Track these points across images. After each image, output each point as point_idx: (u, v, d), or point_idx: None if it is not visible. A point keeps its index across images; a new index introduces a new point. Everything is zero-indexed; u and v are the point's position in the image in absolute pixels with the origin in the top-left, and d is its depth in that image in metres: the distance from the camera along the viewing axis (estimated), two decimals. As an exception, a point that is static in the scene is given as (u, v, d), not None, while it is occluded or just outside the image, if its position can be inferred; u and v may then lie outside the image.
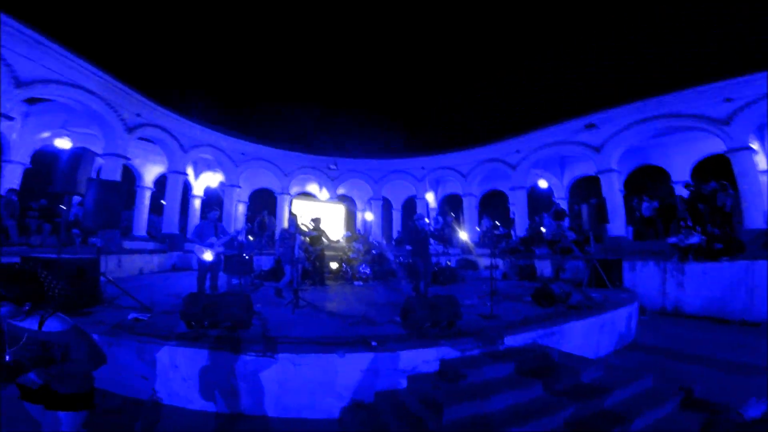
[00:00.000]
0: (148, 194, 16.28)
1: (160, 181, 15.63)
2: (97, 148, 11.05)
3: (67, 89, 9.05)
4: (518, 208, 15.31)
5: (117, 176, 10.96)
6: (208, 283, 6.62)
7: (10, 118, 7.90)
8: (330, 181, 17.45)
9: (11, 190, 7.53)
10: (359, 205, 21.04)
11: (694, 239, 8.47)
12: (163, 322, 4.32)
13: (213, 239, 6.53)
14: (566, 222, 13.68)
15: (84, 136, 11.78)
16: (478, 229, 16.96)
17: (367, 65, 33.17)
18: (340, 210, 14.73)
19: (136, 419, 3.27)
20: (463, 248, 14.68)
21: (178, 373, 3.46)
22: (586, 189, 17.53)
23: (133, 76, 11.08)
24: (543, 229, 14.28)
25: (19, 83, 7.83)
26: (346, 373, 3.29)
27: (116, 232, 11.16)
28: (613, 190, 12.49)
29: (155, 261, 11.53)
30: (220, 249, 6.55)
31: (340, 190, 18.38)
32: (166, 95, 12.79)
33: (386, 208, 20.49)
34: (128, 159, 11.45)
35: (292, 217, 6.54)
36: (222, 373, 3.37)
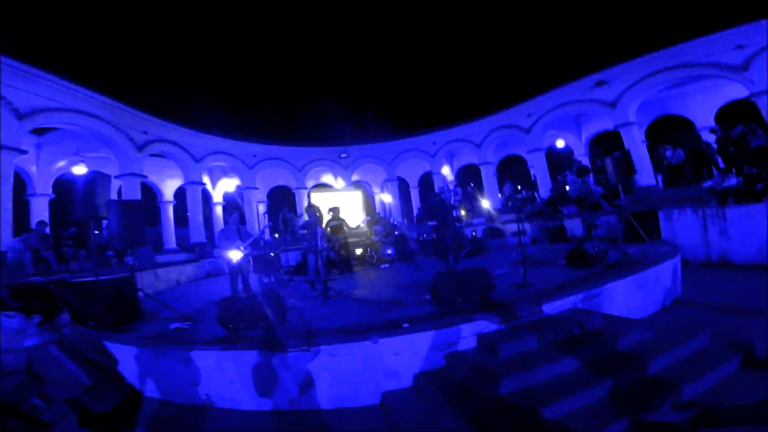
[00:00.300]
0: (170, 208, 16.73)
1: (180, 194, 15.98)
2: (113, 170, 11.36)
3: (69, 116, 9.27)
4: (538, 170, 14.86)
5: (137, 195, 11.25)
6: (240, 285, 6.80)
7: (23, 152, 8.17)
8: (343, 169, 17.38)
9: (40, 223, 7.83)
10: (375, 188, 20.95)
11: (732, 181, 7.92)
12: (203, 328, 4.43)
13: (238, 242, 6.65)
14: (590, 178, 13.20)
15: (99, 160, 12.09)
16: (501, 196, 16.60)
17: (365, 43, 32.27)
18: (357, 196, 14.70)
19: (192, 424, 3.39)
20: (487, 217, 14.42)
21: (223, 376, 3.54)
22: (607, 143, 16.85)
23: (132, 94, 11.28)
24: (567, 188, 13.85)
25: (20, 115, 8.08)
26: (381, 358, 3.27)
27: (149, 248, 11.53)
28: (636, 142, 12.01)
29: (189, 270, 11.89)
30: (246, 251, 6.66)
31: (355, 177, 18.32)
32: (170, 110, 12.95)
33: (403, 187, 20.32)
34: (144, 177, 11.70)
35: (311, 210, 6.49)
36: (264, 371, 3.42)
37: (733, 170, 8.59)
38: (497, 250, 10.08)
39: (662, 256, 5.83)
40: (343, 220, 8.71)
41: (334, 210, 8.58)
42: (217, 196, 17.77)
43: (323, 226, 8.77)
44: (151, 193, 16.73)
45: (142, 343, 3.96)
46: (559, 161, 16.81)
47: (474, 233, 11.79)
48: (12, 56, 7.79)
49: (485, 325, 3.59)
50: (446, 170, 18.75)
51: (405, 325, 3.47)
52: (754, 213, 7.22)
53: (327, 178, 19.13)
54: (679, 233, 8.31)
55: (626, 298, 4.76)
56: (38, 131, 11.14)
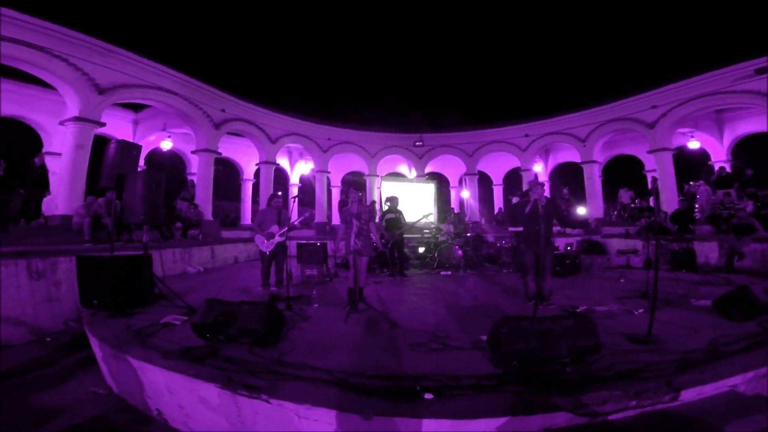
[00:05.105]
0: (250, 186, 17.33)
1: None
2: (194, 145, 11.71)
3: (149, 92, 9.55)
4: (661, 175, 11.76)
5: (211, 170, 11.46)
6: (274, 276, 6.05)
7: (101, 124, 8.54)
8: (417, 158, 16.08)
9: (110, 189, 8.08)
10: (452, 182, 19.30)
11: None
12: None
13: (275, 228, 5.88)
14: (734, 191, 9.95)
15: (182, 135, 12.63)
16: (605, 204, 13.76)
17: (449, 14, 29.07)
18: (429, 189, 13.32)
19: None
20: (586, 228, 11.88)
21: (174, 398, 2.64)
22: (759, 149, 12.85)
23: (213, 72, 11.44)
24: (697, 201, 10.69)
25: (101, 90, 8.41)
26: None
27: (215, 222, 11.76)
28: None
29: (251, 249, 11.83)
30: (281, 238, 5.86)
31: (429, 168, 16.91)
32: (248, 88, 13.02)
33: (485, 183, 18.28)
34: (219, 153, 11.85)
35: (354, 193, 5.03)
36: (217, 408, 2.40)
37: None
38: (597, 271, 7.84)
39: None
40: (400, 213, 7.43)
41: (392, 200, 7.34)
42: (294, 177, 17.97)
43: (378, 218, 7.63)
44: (235, 170, 17.56)
45: (110, 337, 3.27)
46: (688, 167, 13.33)
47: (568, 247, 9.56)
48: (93, 34, 8.14)
49: (568, 418, 2.05)
50: (539, 167, 16.28)
51: (427, 395, 2.11)
52: None
53: (402, 168, 18.09)
54: None
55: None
56: (135, 108, 11.97)
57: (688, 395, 2.33)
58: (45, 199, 8.81)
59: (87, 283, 4.39)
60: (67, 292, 5.56)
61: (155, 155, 13.54)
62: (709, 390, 2.42)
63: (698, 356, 2.73)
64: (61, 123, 8.30)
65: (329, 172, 15.90)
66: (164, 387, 2.66)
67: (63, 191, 7.81)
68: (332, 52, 29.03)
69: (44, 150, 10.19)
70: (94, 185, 8.46)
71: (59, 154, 9.04)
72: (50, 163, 9.85)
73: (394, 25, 28.67)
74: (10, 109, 9.51)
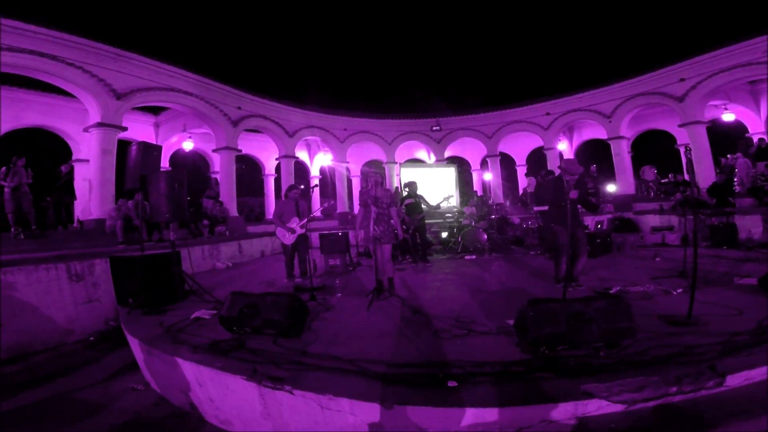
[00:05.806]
0: (272, 180, 17.61)
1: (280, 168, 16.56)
2: (214, 144, 11.94)
3: (165, 94, 9.74)
4: (695, 149, 11.19)
5: (232, 168, 11.67)
6: (297, 269, 6.11)
7: (123, 128, 8.78)
8: (435, 143, 15.84)
9: (137, 191, 8.36)
10: (474, 165, 18.96)
11: None
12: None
13: (295, 219, 5.93)
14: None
15: (202, 135, 12.88)
16: (637, 180, 13.19)
17: None
18: (450, 173, 13.07)
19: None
20: (617, 205, 11.42)
21: (204, 391, 2.72)
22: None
23: (226, 70, 11.57)
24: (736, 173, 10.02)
25: (119, 95, 8.62)
26: (394, 429, 1.95)
27: (240, 218, 12.01)
28: None
29: (278, 242, 12.03)
30: (301, 230, 5.90)
31: (448, 152, 16.66)
32: (262, 84, 13.12)
33: (507, 164, 17.84)
34: (239, 150, 12.04)
35: (377, 176, 4.76)
36: (244, 400, 2.45)
37: None
38: (629, 250, 7.51)
39: None
40: (420, 198, 7.32)
41: (410, 185, 7.24)
42: (314, 170, 18.11)
43: (399, 203, 7.55)
44: (257, 166, 17.87)
45: (144, 333, 3.40)
46: (722, 140, 12.63)
47: (599, 225, 9.18)
48: (102, 40, 8.35)
49: (600, 405, 1.96)
50: (564, 146, 15.72)
51: (451, 383, 2.06)
52: None
53: (420, 153, 17.90)
54: None
55: None
56: (155, 111, 12.27)
57: (735, 380, 2.18)
58: (79, 206, 9.25)
59: (121, 283, 4.58)
60: (105, 292, 5.81)
61: (179, 156, 13.93)
62: (758, 375, 2.25)
63: (745, 339, 2.55)
64: (86, 130, 8.62)
65: (348, 163, 15.93)
66: (195, 381, 2.73)
67: (94, 196, 8.16)
68: (343, 39, 28.77)
69: (74, 158, 10.63)
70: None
71: (87, 161, 9.42)
72: (80, 169, 10.30)
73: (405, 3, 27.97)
74: (35, 120, 9.94)
